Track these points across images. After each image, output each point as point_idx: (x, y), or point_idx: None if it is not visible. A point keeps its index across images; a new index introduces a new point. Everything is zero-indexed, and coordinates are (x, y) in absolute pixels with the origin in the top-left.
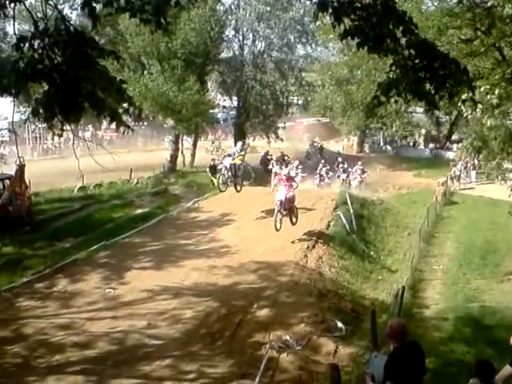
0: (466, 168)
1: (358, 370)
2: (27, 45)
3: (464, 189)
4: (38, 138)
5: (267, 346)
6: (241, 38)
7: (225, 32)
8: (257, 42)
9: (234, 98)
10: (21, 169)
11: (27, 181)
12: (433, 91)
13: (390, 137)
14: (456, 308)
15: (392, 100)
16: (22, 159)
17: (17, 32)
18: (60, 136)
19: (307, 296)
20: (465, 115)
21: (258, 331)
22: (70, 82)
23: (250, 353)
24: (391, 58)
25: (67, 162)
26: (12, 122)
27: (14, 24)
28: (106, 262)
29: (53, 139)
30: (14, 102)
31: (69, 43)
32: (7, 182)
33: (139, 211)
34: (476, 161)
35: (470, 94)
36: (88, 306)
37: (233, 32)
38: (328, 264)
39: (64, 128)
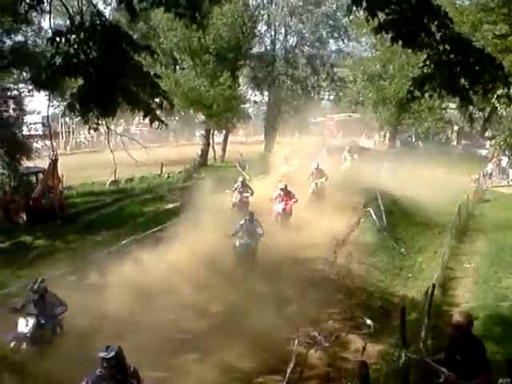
0: (498, 165)
1: (386, 367)
2: (63, 39)
3: (497, 186)
4: (70, 132)
5: (295, 341)
6: (273, 32)
7: (257, 27)
8: (289, 36)
9: (265, 93)
10: (54, 162)
11: (60, 174)
12: (467, 86)
13: (423, 134)
14: (486, 307)
15: (426, 95)
16: (54, 153)
17: (52, 27)
18: (96, 130)
19: (336, 292)
20: (499, 112)
21: (286, 327)
22: (105, 76)
23: (278, 348)
24: (425, 53)
25: (100, 156)
26: (47, 116)
27: (50, 18)
28: (137, 256)
29: (89, 132)
30: (50, 96)
31: (104, 38)
32: (40, 175)
33: (170, 205)
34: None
35: (506, 90)
36: (118, 299)
37: (265, 27)
38: (357, 260)
39: (100, 122)
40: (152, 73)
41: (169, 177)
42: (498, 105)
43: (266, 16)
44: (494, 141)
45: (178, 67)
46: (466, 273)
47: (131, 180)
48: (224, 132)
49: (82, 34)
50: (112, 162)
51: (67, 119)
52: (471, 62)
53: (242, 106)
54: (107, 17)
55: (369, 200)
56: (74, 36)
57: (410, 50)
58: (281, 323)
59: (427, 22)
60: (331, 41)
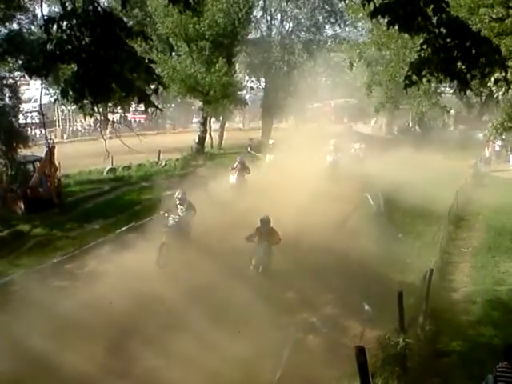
0: (495, 150)
1: (384, 352)
2: (55, 26)
3: (496, 171)
4: (67, 120)
5: (294, 327)
6: (269, 18)
7: (252, 13)
8: (285, 22)
9: (262, 79)
10: (51, 151)
11: (57, 163)
12: (465, 70)
13: (418, 118)
14: (484, 291)
15: (424, 80)
16: (51, 141)
17: (45, 13)
18: (91, 116)
19: (334, 278)
20: (495, 96)
21: (285, 313)
22: (98, 62)
23: (276, 333)
24: (422, 37)
25: (97, 144)
26: (40, 103)
27: (41, 5)
28: (135, 244)
29: (85, 119)
30: (42, 83)
31: (97, 24)
32: (37, 164)
33: (168, 193)
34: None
35: (503, 74)
36: (116, 286)
37: (261, 12)
38: (355, 246)
39: (95, 109)
40: (147, 58)
41: (166, 164)
42: (494, 89)
43: (261, 1)
44: (490, 124)
45: (174, 54)
46: (463, 257)
47: (128, 168)
48: (221, 119)
49: (75, 20)
50: (110, 149)
51: (63, 107)
52: (468, 46)
53: (239, 92)
54: (103, 3)
55: (366, 187)
56: (66, 22)
57: (406, 35)
58: (279, 308)
59: (423, 6)
60: (327, 26)
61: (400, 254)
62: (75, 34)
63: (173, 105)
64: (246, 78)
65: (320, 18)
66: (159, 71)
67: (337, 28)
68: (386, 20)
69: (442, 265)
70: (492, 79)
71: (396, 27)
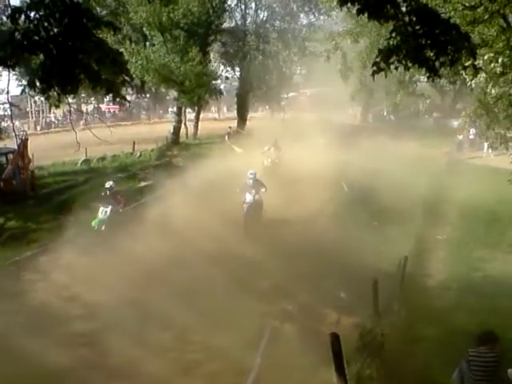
0: (469, 138)
1: (359, 339)
2: (23, 16)
3: (470, 158)
4: (40, 112)
5: (270, 316)
6: (243, 7)
7: (227, 1)
8: (259, 11)
9: (237, 68)
10: (24, 143)
11: (30, 154)
12: (433, 58)
13: (391, 106)
14: (459, 278)
15: (392, 67)
16: (24, 133)
17: (12, 3)
18: (57, 107)
19: (310, 266)
20: (468, 84)
21: (261, 301)
22: (66, 53)
23: (252, 323)
24: (391, 25)
25: (70, 135)
26: (7, 94)
27: None
28: (111, 235)
29: (49, 111)
30: (12, 74)
31: (64, 14)
32: (11, 156)
33: (143, 184)
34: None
35: (472, 61)
36: (92, 278)
37: (235, 1)
38: (330, 234)
39: (62, 100)
40: (115, 49)
41: (141, 155)
42: (467, 76)
43: None
44: (463, 112)
45: (148, 43)
46: (438, 244)
47: (103, 159)
48: (196, 109)
49: (42, 10)
50: (85, 141)
51: (36, 99)
52: (437, 33)
53: (214, 82)
54: None
55: (341, 175)
56: (33, 12)
57: (378, 24)
58: (255, 297)
59: None
60: (302, 15)
61: (375, 242)
62: (43, 24)
63: (148, 95)
64: (221, 67)
65: (294, 6)
66: (133, 61)
67: (311, 17)
68: (355, 8)
69: (416, 252)
70: (462, 66)
71: (366, 15)
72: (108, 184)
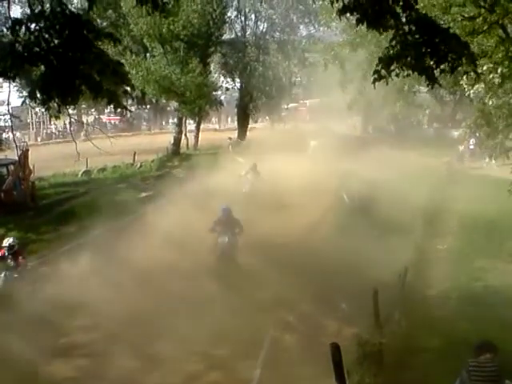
0: (469, 148)
1: (360, 349)
2: (23, 28)
3: (470, 168)
4: (41, 123)
5: (271, 326)
6: (243, 19)
7: (227, 13)
8: (259, 22)
9: (237, 79)
10: (24, 154)
11: (31, 165)
12: (433, 66)
13: (391, 116)
14: (460, 287)
15: (393, 74)
16: (25, 144)
17: (12, 15)
18: (56, 118)
19: (310, 276)
20: (467, 94)
21: (261, 311)
22: (66, 64)
23: (253, 333)
24: (391, 34)
25: (71, 146)
26: (8, 105)
27: (8, 7)
28: (111, 245)
29: (50, 122)
30: (11, 85)
31: (65, 26)
32: (11, 167)
33: (143, 194)
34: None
35: (472, 67)
36: (94, 289)
37: (235, 13)
38: (331, 244)
39: (62, 111)
40: (116, 60)
41: (141, 166)
42: (466, 86)
43: (235, 2)
44: (464, 123)
45: (148, 55)
46: (439, 254)
47: (104, 170)
48: (196, 120)
49: (43, 22)
50: (85, 151)
51: (37, 110)
52: (437, 42)
53: (214, 92)
54: (75, 5)
55: (342, 185)
56: (34, 24)
57: (378, 34)
58: (256, 308)
59: (392, 4)
60: (302, 26)
61: (376, 252)
62: (43, 35)
63: (148, 106)
64: (221, 78)
65: (294, 18)
66: (133, 73)
67: (311, 28)
68: (355, 17)
69: (417, 262)
70: (464, 78)
71: (365, 25)
72: (7, 241)
